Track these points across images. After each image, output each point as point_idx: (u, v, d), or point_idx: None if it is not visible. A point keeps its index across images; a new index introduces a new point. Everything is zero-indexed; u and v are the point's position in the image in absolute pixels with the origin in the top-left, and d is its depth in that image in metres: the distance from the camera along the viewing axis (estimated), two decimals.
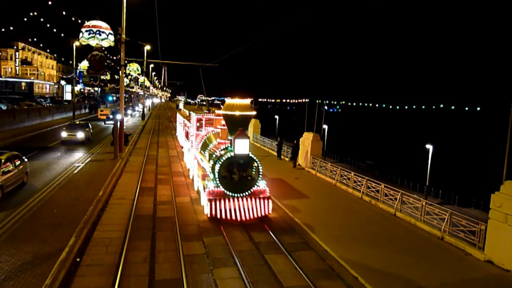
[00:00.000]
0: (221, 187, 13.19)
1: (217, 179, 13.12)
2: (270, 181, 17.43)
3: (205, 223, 13.07)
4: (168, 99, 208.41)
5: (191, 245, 11.10)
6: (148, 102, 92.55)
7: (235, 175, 13.42)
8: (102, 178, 17.74)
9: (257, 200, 13.44)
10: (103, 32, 22.74)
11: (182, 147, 26.88)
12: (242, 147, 13.08)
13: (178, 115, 33.05)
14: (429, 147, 24.74)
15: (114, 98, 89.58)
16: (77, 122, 32.70)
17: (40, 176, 17.80)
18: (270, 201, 13.69)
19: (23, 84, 77.49)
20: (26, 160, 16.63)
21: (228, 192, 13.24)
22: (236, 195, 13.30)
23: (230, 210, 13.06)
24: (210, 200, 12.96)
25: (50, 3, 29.67)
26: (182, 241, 11.22)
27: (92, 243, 10.82)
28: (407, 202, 14.70)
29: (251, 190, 13.52)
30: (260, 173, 13.65)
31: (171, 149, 29.17)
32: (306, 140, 24.14)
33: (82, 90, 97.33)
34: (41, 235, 10.88)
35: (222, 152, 13.83)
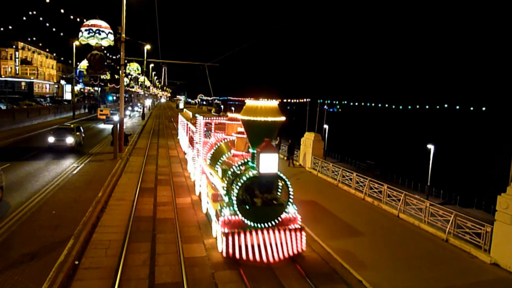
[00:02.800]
0: (239, 215, 10.30)
1: (235, 205, 10.26)
2: None
3: (216, 255, 10.40)
4: (168, 98, 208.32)
5: (192, 247, 10.91)
6: (148, 102, 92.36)
7: (258, 199, 10.60)
8: (102, 179, 17.55)
9: (287, 232, 10.40)
10: (102, 31, 22.58)
11: (185, 154, 23.80)
12: (269, 164, 9.83)
13: (180, 116, 29.53)
14: (431, 147, 24.59)
15: (114, 97, 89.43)
16: (68, 125, 28.47)
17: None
18: (303, 233, 10.58)
19: (23, 83, 77.27)
20: (1, 172, 14.39)
21: (248, 222, 10.30)
22: (259, 226, 10.35)
23: (252, 247, 10.07)
24: (226, 234, 9.95)
25: (48, 1, 29.41)
26: (183, 243, 11.04)
27: (91, 245, 10.63)
28: (411, 203, 14.51)
29: (279, 218, 10.55)
30: (291, 195, 10.66)
31: (171, 149, 28.98)
32: (308, 140, 23.96)
33: (82, 89, 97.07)
34: (39, 237, 10.69)
35: (241, 168, 11.08)
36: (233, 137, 13.27)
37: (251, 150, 10.81)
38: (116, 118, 24.40)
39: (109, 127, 37.47)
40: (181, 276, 9.13)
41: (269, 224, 10.38)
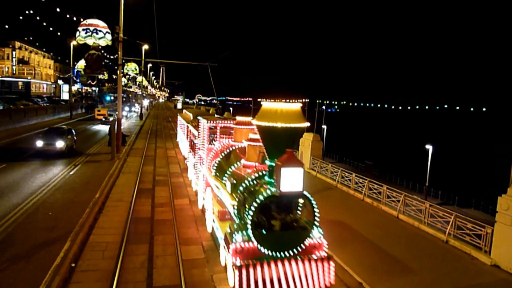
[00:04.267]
0: (254, 242, 8.42)
1: (249, 229, 8.36)
2: None
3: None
4: (166, 99, 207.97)
5: (191, 249, 10.79)
6: (146, 102, 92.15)
7: (276, 221, 8.61)
8: (99, 179, 17.41)
9: (313, 263, 8.48)
10: (100, 30, 22.43)
11: (185, 159, 21.91)
12: (292, 180, 7.90)
13: (179, 117, 27.48)
14: (429, 147, 24.58)
15: (112, 97, 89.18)
16: (58, 127, 26.21)
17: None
18: (332, 263, 8.64)
19: (20, 83, 76.91)
20: None
21: (265, 250, 8.41)
22: (278, 255, 8.44)
23: (271, 281, 8.18)
24: (239, 268, 8.02)
25: (44, 0, 29.21)
26: (181, 245, 10.92)
27: (88, 247, 10.50)
28: (410, 204, 14.44)
29: (302, 245, 8.67)
30: (316, 216, 8.72)
31: (169, 150, 28.85)
32: (306, 140, 23.88)
33: (80, 89, 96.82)
34: (36, 239, 10.56)
35: (255, 183, 9.21)
36: (243, 144, 11.43)
37: (268, 162, 8.82)
38: (112, 119, 24.22)
39: (105, 128, 37.33)
40: (179, 279, 9.02)
41: (291, 252, 8.49)
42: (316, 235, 8.98)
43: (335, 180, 19.68)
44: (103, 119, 42.55)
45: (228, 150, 12.02)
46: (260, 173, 9.34)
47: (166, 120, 59.52)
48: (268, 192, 8.31)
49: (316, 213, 8.68)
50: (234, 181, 9.83)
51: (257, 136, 9.52)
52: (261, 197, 8.28)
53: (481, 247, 11.31)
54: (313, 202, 8.66)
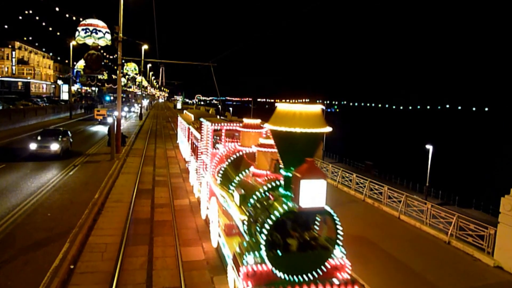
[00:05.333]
0: (269, 264, 7.19)
1: (262, 250, 7.15)
2: None
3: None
4: (166, 99, 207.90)
5: (191, 250, 10.69)
6: (146, 102, 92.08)
7: (293, 240, 7.45)
8: (98, 180, 17.31)
9: None
10: (99, 30, 22.35)
11: (186, 163, 20.67)
12: (314, 195, 6.83)
13: (179, 118, 26.26)
14: (429, 147, 24.49)
15: (112, 98, 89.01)
16: (53, 129, 25.53)
17: None
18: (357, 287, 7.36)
19: (20, 83, 76.80)
20: None
21: (281, 274, 7.18)
22: (296, 279, 7.21)
23: None
24: None
25: (43, 0, 29.13)
26: (181, 246, 10.82)
27: (87, 248, 10.38)
28: (412, 205, 14.35)
29: (323, 267, 7.40)
30: (339, 234, 7.53)
31: (169, 150, 28.75)
32: None
33: (79, 90, 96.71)
34: (34, 240, 10.46)
35: (268, 196, 8.10)
36: (251, 149, 10.35)
37: (283, 172, 7.57)
38: (110, 120, 24.05)
39: (104, 128, 37.19)
40: (179, 281, 8.92)
41: (310, 276, 7.26)
42: (338, 255, 7.66)
43: (336, 181, 19.59)
44: (101, 119, 41.76)
45: (234, 156, 10.77)
46: (274, 184, 8.19)
47: (166, 120, 59.42)
48: (285, 207, 7.08)
49: (339, 230, 7.55)
50: (243, 192, 8.80)
51: (268, 141, 8.77)
52: (277, 214, 7.09)
53: (483, 248, 11.23)
54: (336, 218, 7.51)
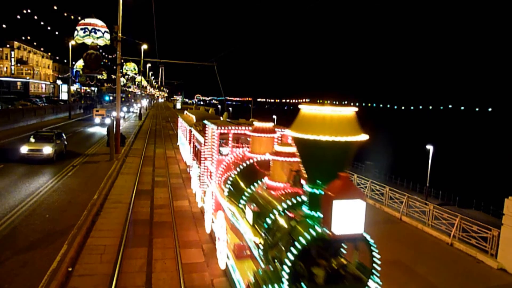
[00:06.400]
0: None
1: (285, 285, 5.87)
2: None
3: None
4: (165, 99, 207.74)
5: (190, 252, 10.56)
6: (145, 102, 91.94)
7: (319, 269, 6.00)
8: (97, 180, 17.17)
9: None
10: (98, 30, 22.23)
11: (187, 167, 19.46)
12: (350, 219, 5.49)
13: (180, 119, 25.08)
14: (430, 147, 24.38)
15: (111, 97, 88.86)
16: (46, 131, 23.92)
17: None
18: None
19: (19, 83, 76.62)
20: None
21: None
22: None
23: None
24: None
25: None
26: (181, 248, 10.69)
27: (86, 250, 10.25)
28: (413, 206, 14.23)
29: None
30: (376, 262, 6.22)
31: (168, 150, 28.62)
32: None
33: (78, 89, 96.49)
34: (31, 242, 10.32)
35: (289, 216, 6.60)
36: (264, 156, 9.24)
37: (307, 188, 6.21)
38: (108, 120, 23.83)
39: (100, 129, 36.98)
40: (179, 284, 8.79)
41: None
42: (373, 286, 6.24)
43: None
44: (100, 120, 41.05)
45: (244, 164, 9.38)
46: (295, 200, 6.79)
47: (166, 120, 59.30)
48: (313, 233, 5.73)
49: (375, 259, 6.25)
50: (257, 208, 7.45)
51: (286, 149, 7.55)
52: (303, 241, 5.74)
53: (487, 250, 11.10)
54: (373, 244, 6.31)
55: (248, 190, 8.27)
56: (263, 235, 6.94)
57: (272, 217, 6.82)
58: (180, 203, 15.15)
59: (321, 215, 5.71)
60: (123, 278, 8.88)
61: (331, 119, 5.79)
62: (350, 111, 5.90)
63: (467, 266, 10.73)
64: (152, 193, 16.43)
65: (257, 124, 9.68)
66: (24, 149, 20.33)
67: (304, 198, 6.54)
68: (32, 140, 21.36)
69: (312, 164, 6.16)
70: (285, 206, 6.81)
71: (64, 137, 23.92)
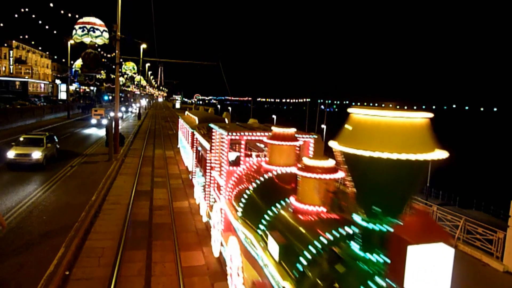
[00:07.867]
0: None
1: None
2: None
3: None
4: (164, 98, 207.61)
5: (191, 255, 10.35)
6: (144, 102, 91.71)
7: None
8: (96, 181, 16.96)
9: None
10: (97, 29, 22.04)
11: (190, 173, 17.48)
12: (429, 270, 3.78)
13: (180, 120, 23.46)
14: None
15: (110, 97, 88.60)
16: (36, 133, 21.85)
17: None
18: None
19: (17, 83, 76.26)
20: None
21: None
22: None
23: None
24: None
25: None
26: (181, 251, 10.48)
27: (84, 253, 10.03)
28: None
29: None
30: None
31: (167, 150, 28.41)
32: None
33: (77, 89, 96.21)
34: (28, 245, 10.13)
35: (331, 256, 4.74)
36: (286, 169, 7.57)
37: (361, 221, 4.47)
38: (105, 121, 23.58)
39: (98, 129, 36.73)
40: (179, 287, 8.59)
41: None
42: None
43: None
44: (97, 121, 39.98)
45: (262, 178, 7.66)
46: (338, 234, 5.04)
47: (165, 120, 59.11)
48: (372, 286, 4.10)
49: None
50: (285, 241, 5.63)
51: (318, 163, 5.86)
52: None
53: (492, 253, 10.92)
54: None
55: (269, 212, 6.56)
56: (293, 276, 5.09)
57: (309, 256, 4.96)
58: (180, 204, 14.95)
59: (385, 260, 4.15)
60: (122, 282, 8.67)
61: (393, 128, 4.07)
62: (419, 117, 4.09)
63: (472, 268, 10.55)
64: (151, 194, 16.23)
65: (276, 129, 7.88)
66: (11, 154, 18.59)
67: (350, 230, 5.00)
68: (20, 143, 19.52)
69: (368, 188, 4.40)
70: (325, 242, 4.96)
71: (56, 140, 22.42)
